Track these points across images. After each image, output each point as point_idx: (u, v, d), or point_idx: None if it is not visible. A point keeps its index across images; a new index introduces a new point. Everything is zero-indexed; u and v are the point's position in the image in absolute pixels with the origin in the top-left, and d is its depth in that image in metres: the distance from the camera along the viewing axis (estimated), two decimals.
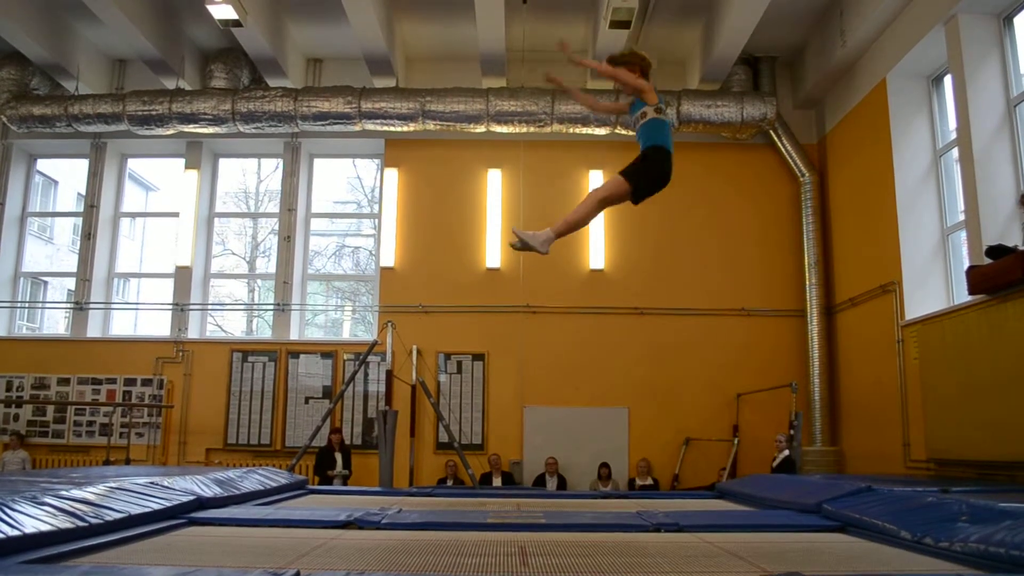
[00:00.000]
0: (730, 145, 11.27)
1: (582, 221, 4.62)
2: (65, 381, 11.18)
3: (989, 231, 7.33)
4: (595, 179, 11.35)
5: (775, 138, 11.04)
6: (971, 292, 7.27)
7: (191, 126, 10.72)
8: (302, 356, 11.18)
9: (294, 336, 11.45)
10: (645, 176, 4.53)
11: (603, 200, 4.59)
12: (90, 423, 11.09)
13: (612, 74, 4.67)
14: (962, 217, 8.33)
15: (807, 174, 10.97)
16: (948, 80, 8.68)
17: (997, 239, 7.12)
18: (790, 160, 11.07)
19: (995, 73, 7.72)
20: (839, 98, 10.65)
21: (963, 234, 8.36)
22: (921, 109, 9.20)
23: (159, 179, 16.11)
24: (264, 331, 12.53)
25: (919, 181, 9.03)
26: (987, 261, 7.00)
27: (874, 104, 9.55)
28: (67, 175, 14.69)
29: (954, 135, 8.39)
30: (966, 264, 7.75)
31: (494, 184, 11.43)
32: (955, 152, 8.37)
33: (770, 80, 11.10)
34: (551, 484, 10.27)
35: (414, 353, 10.79)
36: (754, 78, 11.05)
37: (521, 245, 4.49)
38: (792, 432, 9.34)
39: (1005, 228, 7.31)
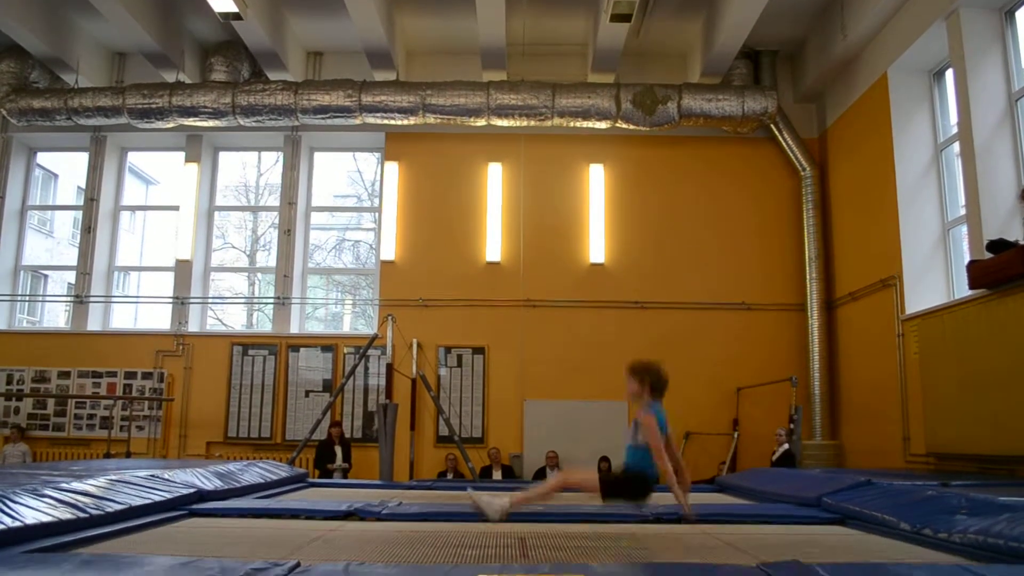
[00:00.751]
0: (731, 139, 11.26)
1: (544, 499, 4.58)
2: (65, 374, 11.19)
3: (990, 225, 7.33)
4: (595, 172, 11.36)
5: (776, 132, 11.02)
6: (971, 286, 7.26)
7: (191, 119, 10.70)
8: (302, 349, 11.18)
9: (294, 330, 11.45)
10: (620, 494, 4.46)
11: (571, 487, 4.61)
12: (90, 416, 11.10)
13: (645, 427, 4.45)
14: (963, 211, 8.32)
15: (808, 168, 10.96)
16: (949, 74, 8.66)
17: (998, 233, 7.11)
18: (791, 154, 11.06)
19: (996, 67, 7.71)
20: (840, 92, 10.63)
21: (964, 228, 8.35)
22: (922, 103, 9.18)
23: (159, 173, 16.12)
24: (264, 324, 12.53)
25: (920, 175, 9.02)
26: (988, 255, 7.00)
27: (875, 98, 9.54)
28: (67, 168, 14.70)
29: (955, 129, 8.38)
30: (967, 258, 7.74)
31: (495, 178, 11.42)
32: (956, 146, 8.37)
33: (771, 74, 11.07)
34: (551, 477, 10.27)
35: (414, 347, 10.79)
36: (755, 72, 11.02)
37: (475, 509, 4.39)
38: (792, 426, 9.36)
39: (1006, 222, 7.31)
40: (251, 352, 11.19)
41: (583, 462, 10.55)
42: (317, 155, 12.33)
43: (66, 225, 15.80)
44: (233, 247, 15.21)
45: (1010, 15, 7.76)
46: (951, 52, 8.05)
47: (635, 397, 4.57)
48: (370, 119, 10.67)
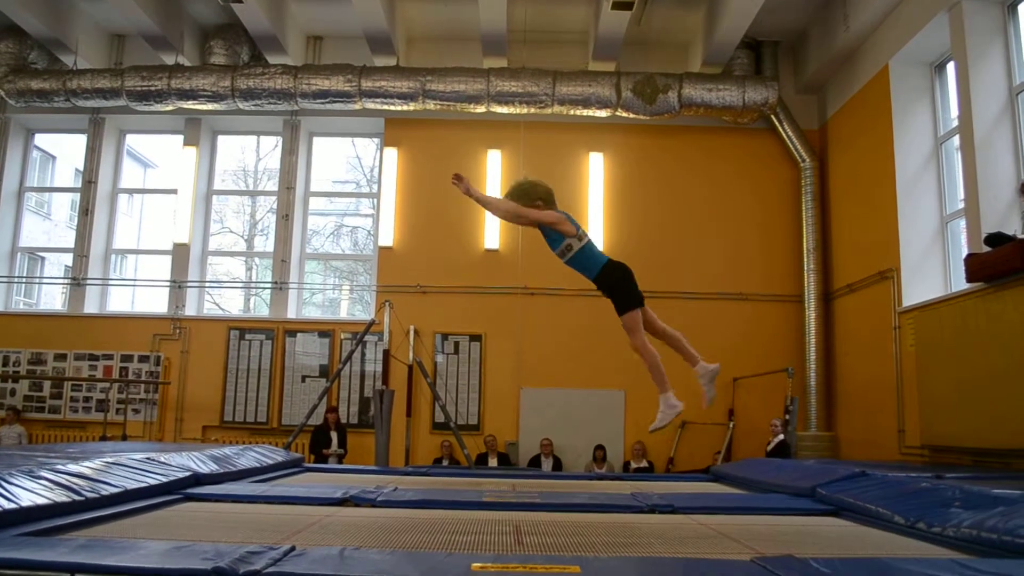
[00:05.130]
0: (731, 129, 11.22)
1: (653, 362, 4.80)
2: (62, 357, 11.18)
3: (988, 219, 7.32)
4: (595, 161, 11.33)
5: (776, 123, 11.00)
6: (969, 280, 7.27)
7: (190, 102, 10.65)
8: (299, 335, 11.18)
9: (291, 315, 11.44)
10: (631, 292, 4.72)
11: (641, 339, 4.76)
12: (87, 399, 11.10)
13: (517, 214, 4.46)
14: (962, 205, 8.32)
15: (807, 159, 10.94)
16: (951, 67, 8.64)
17: (996, 227, 7.11)
18: (791, 145, 11.04)
19: (998, 61, 7.69)
20: (841, 84, 10.60)
21: (962, 222, 8.36)
22: (923, 96, 9.16)
23: (157, 156, 16.03)
24: (261, 309, 12.53)
25: (919, 168, 9.00)
26: (986, 249, 7.00)
27: (876, 90, 9.51)
28: (65, 150, 14.63)
29: (955, 123, 8.37)
30: (965, 252, 7.74)
31: (494, 165, 11.38)
32: (956, 140, 8.35)
33: (772, 64, 11.03)
34: (546, 465, 10.31)
35: (411, 333, 10.78)
36: (756, 62, 10.98)
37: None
38: (787, 417, 9.37)
39: (1004, 216, 7.30)
40: (248, 337, 11.19)
41: (578, 451, 10.62)
42: (316, 140, 12.28)
43: (63, 207, 15.72)
44: (231, 231, 15.16)
45: (1012, 9, 7.73)
46: (953, 45, 8.03)
47: (543, 225, 4.50)
48: (370, 104, 10.63)
